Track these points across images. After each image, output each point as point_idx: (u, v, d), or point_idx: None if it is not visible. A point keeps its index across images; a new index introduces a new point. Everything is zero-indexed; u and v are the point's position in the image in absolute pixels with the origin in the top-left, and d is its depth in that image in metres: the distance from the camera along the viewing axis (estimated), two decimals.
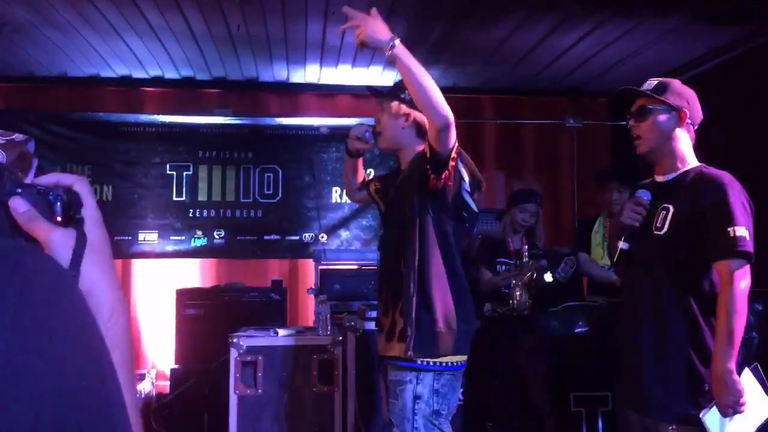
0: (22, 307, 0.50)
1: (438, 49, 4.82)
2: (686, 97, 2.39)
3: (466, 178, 2.51)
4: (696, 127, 2.42)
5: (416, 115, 2.56)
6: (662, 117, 2.37)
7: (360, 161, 2.95)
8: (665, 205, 2.33)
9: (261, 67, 5.25)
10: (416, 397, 2.39)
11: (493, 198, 5.71)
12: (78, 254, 0.68)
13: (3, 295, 0.50)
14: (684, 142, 2.39)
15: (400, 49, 2.35)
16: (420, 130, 2.57)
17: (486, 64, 5.17)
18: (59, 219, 0.71)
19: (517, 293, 3.62)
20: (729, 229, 2.18)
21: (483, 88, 5.77)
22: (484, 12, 4.20)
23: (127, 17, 4.22)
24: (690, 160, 2.40)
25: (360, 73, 5.35)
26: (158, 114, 5.55)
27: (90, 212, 0.73)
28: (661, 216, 2.33)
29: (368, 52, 4.84)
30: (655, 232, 2.32)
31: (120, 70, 5.28)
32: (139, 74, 5.37)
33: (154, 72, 5.34)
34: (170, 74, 5.39)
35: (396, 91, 2.63)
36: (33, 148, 2.02)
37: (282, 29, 4.45)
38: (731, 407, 2.12)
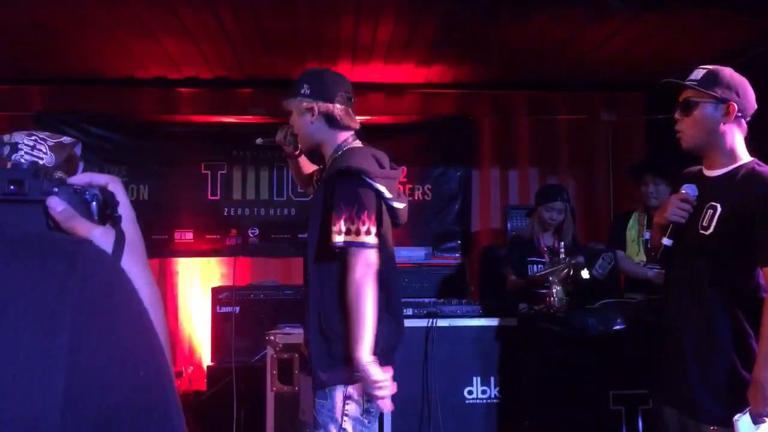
0: (82, 302, 0.51)
1: (469, 45, 4.79)
2: (736, 87, 2.25)
3: (385, 192, 2.32)
4: (749, 119, 2.28)
5: (320, 105, 2.39)
6: (708, 111, 2.24)
7: (301, 160, 2.72)
8: (712, 203, 2.24)
9: (293, 66, 5.27)
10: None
11: (527, 195, 5.66)
12: (117, 251, 0.70)
13: (63, 291, 0.50)
14: (733, 136, 2.26)
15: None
16: (331, 120, 2.40)
17: (519, 60, 5.12)
18: (96, 218, 0.72)
19: (554, 290, 3.58)
20: None
21: (516, 83, 5.71)
22: (515, 7, 4.16)
23: (162, 19, 4.27)
24: (741, 155, 2.28)
25: (392, 70, 5.34)
26: (193, 114, 5.61)
27: (125, 211, 0.75)
28: (707, 215, 2.24)
29: (401, 48, 4.83)
30: (701, 231, 2.24)
31: (155, 71, 5.34)
32: (173, 75, 5.43)
33: (188, 72, 5.39)
34: (204, 74, 5.44)
35: (295, 89, 2.47)
36: (80, 150, 2.04)
37: (313, 27, 4.46)
38: (764, 415, 2.06)
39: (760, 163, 2.28)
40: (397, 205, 2.40)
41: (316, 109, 2.40)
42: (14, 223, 0.67)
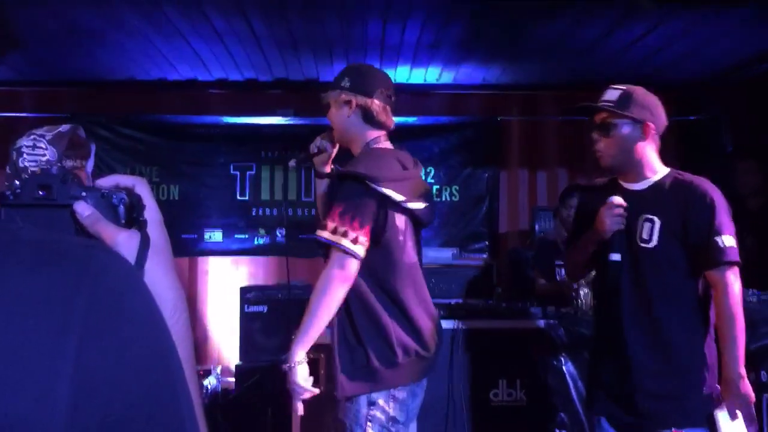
0: (93, 308, 0.51)
1: (497, 46, 4.77)
2: (649, 107, 2.34)
3: (396, 195, 2.26)
4: (661, 133, 2.37)
5: (358, 99, 2.34)
6: (625, 132, 2.32)
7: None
8: (648, 216, 2.28)
9: (321, 68, 5.30)
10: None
11: (555, 196, 5.58)
12: (142, 255, 0.71)
13: (73, 296, 0.51)
14: (650, 151, 2.35)
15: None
16: (367, 116, 2.35)
17: (547, 60, 5.08)
18: (123, 222, 0.73)
19: (582, 292, 3.55)
20: (717, 238, 2.19)
21: (544, 84, 5.67)
22: (544, 6, 4.13)
23: (193, 21, 4.32)
24: (658, 168, 2.37)
25: (419, 72, 5.34)
26: (222, 115, 5.67)
27: (151, 214, 0.75)
28: (646, 228, 2.28)
29: (429, 50, 4.83)
30: (641, 244, 2.28)
31: (185, 73, 5.41)
32: (203, 77, 5.49)
33: (218, 74, 5.45)
34: (234, 76, 5.49)
35: (336, 82, 2.42)
36: (84, 133, 2.06)
37: (342, 29, 4.48)
38: (737, 409, 2.15)
39: (679, 171, 2.36)
40: (412, 206, 2.32)
41: (354, 102, 2.35)
42: (38, 227, 0.68)
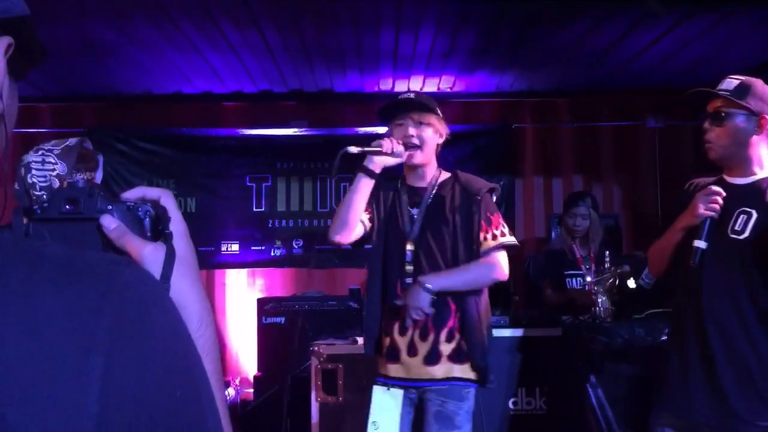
0: (119, 326, 0.51)
1: (511, 53, 4.77)
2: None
3: None
4: None
5: (446, 132, 2.62)
6: (740, 123, 2.22)
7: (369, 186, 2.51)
8: (745, 209, 2.21)
9: (335, 78, 5.32)
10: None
11: None
12: (168, 268, 0.70)
13: (99, 314, 0.51)
14: (761, 147, 2.26)
15: (435, 283, 2.43)
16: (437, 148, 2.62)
17: (561, 66, 5.07)
18: (149, 234, 0.73)
19: (600, 300, 3.52)
20: None
21: (558, 90, 5.66)
22: (557, 12, 4.12)
23: (207, 35, 4.36)
24: (766, 166, 2.28)
25: (433, 82, 5.35)
26: (237, 127, 5.71)
27: (177, 226, 0.75)
28: (741, 219, 2.21)
29: (442, 58, 4.84)
30: (732, 236, 2.21)
31: (200, 86, 5.46)
32: (218, 89, 5.54)
33: (232, 86, 5.49)
34: (248, 88, 5.53)
35: (436, 106, 2.58)
36: (91, 145, 2.09)
37: (355, 39, 4.50)
38: None
39: None
40: None
41: (444, 134, 2.60)
42: (65, 241, 0.69)
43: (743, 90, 2.22)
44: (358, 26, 4.27)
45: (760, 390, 2.16)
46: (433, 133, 2.55)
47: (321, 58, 4.86)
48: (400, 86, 5.45)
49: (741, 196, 2.24)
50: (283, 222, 5.67)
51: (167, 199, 0.77)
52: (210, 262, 5.55)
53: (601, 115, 5.76)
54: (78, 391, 0.48)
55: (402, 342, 2.49)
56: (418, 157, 2.53)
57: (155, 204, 0.76)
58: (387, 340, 2.53)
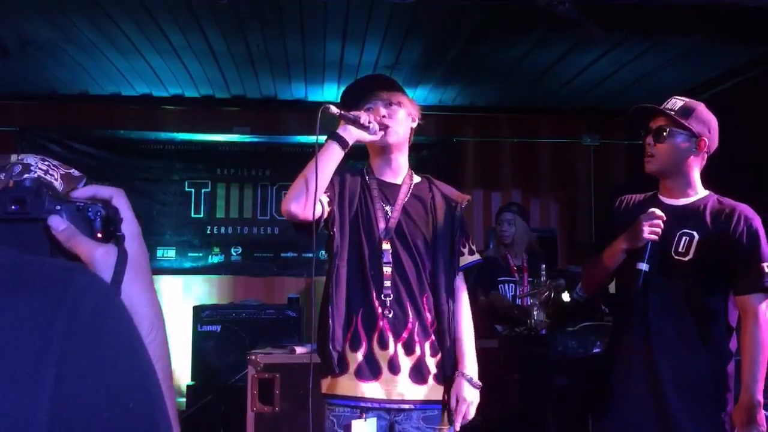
0: (71, 335, 0.50)
1: (455, 68, 4.85)
2: (709, 125, 2.33)
3: None
4: (710, 154, 2.37)
5: (418, 117, 2.36)
6: (681, 143, 2.30)
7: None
8: (686, 230, 2.28)
9: (279, 86, 5.30)
10: None
11: None
12: (119, 271, 0.68)
13: (51, 323, 0.50)
14: (696, 169, 2.35)
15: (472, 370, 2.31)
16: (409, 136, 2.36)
17: (503, 83, 5.18)
18: (100, 236, 0.70)
19: (534, 312, 3.60)
20: (763, 264, 2.21)
21: (500, 106, 5.78)
22: (502, 31, 4.22)
23: (149, 37, 4.29)
24: (699, 188, 2.37)
25: None
26: (178, 132, 5.62)
27: (129, 227, 0.72)
28: (683, 241, 2.28)
29: (386, 73, 4.88)
30: (676, 257, 2.28)
31: (140, 89, 5.35)
32: (159, 92, 5.44)
33: (174, 90, 5.40)
34: (190, 92, 5.45)
35: (404, 90, 2.38)
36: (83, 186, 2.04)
37: (301, 48, 4.50)
38: None
39: (720, 196, 2.36)
40: None
41: (417, 121, 2.37)
42: (10, 243, 0.65)
43: (687, 111, 2.31)
44: (304, 35, 4.27)
45: (706, 408, 2.24)
46: (406, 116, 2.30)
47: (266, 65, 4.84)
48: None
49: (680, 218, 2.31)
50: (222, 228, 5.60)
51: (119, 199, 0.73)
52: None
53: (540, 132, 5.91)
54: (28, 402, 0.47)
55: (382, 356, 2.15)
56: (393, 136, 2.25)
57: (106, 204, 0.72)
58: (359, 354, 2.16)
